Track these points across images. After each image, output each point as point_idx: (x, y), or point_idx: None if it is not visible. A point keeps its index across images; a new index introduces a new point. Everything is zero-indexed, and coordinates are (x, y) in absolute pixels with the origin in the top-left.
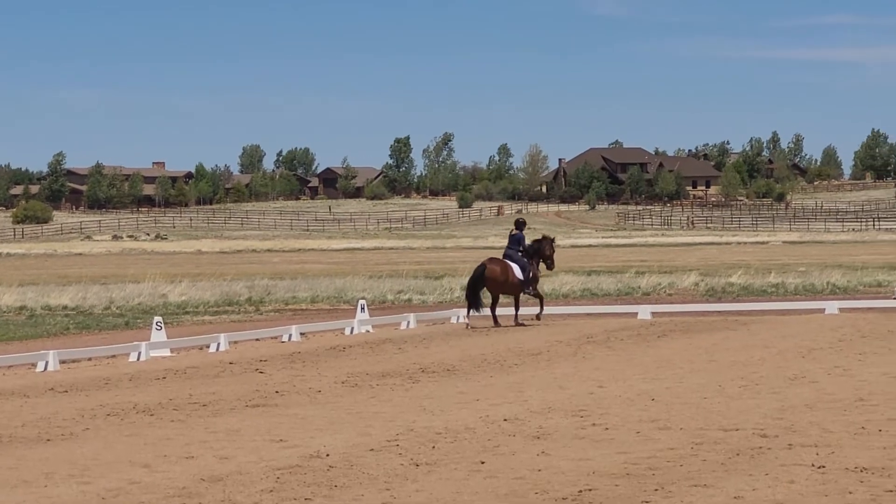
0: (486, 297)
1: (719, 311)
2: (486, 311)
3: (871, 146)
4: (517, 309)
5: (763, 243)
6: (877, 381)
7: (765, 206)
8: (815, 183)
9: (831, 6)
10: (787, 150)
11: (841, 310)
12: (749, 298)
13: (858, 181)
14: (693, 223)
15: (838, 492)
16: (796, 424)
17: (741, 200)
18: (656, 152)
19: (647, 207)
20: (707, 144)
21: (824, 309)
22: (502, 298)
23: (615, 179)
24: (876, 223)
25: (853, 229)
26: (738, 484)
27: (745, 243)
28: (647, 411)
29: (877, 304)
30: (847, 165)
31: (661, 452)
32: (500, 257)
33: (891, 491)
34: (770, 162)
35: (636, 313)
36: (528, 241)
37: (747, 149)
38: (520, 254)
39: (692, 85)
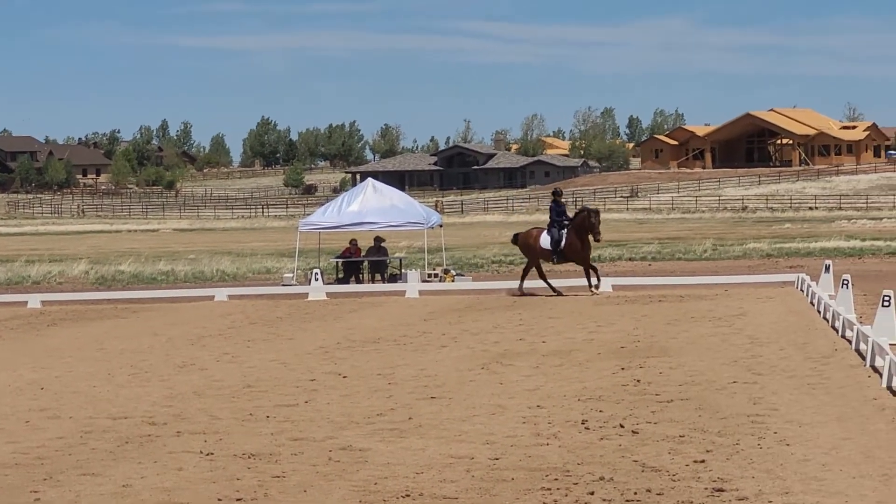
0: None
1: (110, 300)
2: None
3: (260, 134)
4: (587, 277)
5: (154, 231)
6: (264, 367)
7: (155, 193)
8: (205, 170)
9: None
10: (176, 137)
11: (230, 297)
12: (139, 286)
13: (248, 168)
14: (83, 211)
15: (226, 478)
16: (185, 412)
17: (131, 188)
18: (46, 140)
19: (38, 196)
20: (97, 133)
21: (214, 296)
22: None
23: (5, 168)
24: (265, 210)
25: (243, 216)
26: (127, 472)
27: (136, 231)
28: (37, 401)
29: (266, 290)
30: (236, 153)
31: (51, 442)
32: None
33: (277, 477)
34: (160, 150)
35: (26, 302)
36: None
37: (137, 137)
38: (557, 224)
39: (83, 73)
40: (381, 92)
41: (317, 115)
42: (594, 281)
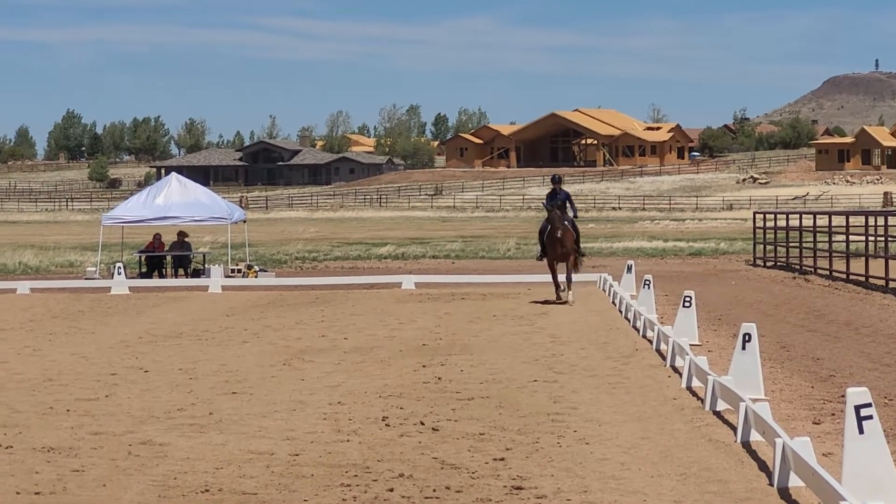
0: None
1: None
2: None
3: (66, 127)
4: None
5: None
6: (66, 360)
7: None
8: (10, 163)
9: None
10: None
11: (33, 290)
12: None
13: (53, 161)
14: None
15: (25, 472)
16: None
17: None
18: None
19: None
20: None
21: (16, 289)
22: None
23: None
24: (69, 203)
25: (47, 209)
26: None
27: None
28: None
29: (68, 284)
30: (41, 146)
31: None
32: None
33: (76, 471)
34: None
35: None
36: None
37: None
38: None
39: None
40: (186, 86)
41: (122, 108)
42: (567, 288)
